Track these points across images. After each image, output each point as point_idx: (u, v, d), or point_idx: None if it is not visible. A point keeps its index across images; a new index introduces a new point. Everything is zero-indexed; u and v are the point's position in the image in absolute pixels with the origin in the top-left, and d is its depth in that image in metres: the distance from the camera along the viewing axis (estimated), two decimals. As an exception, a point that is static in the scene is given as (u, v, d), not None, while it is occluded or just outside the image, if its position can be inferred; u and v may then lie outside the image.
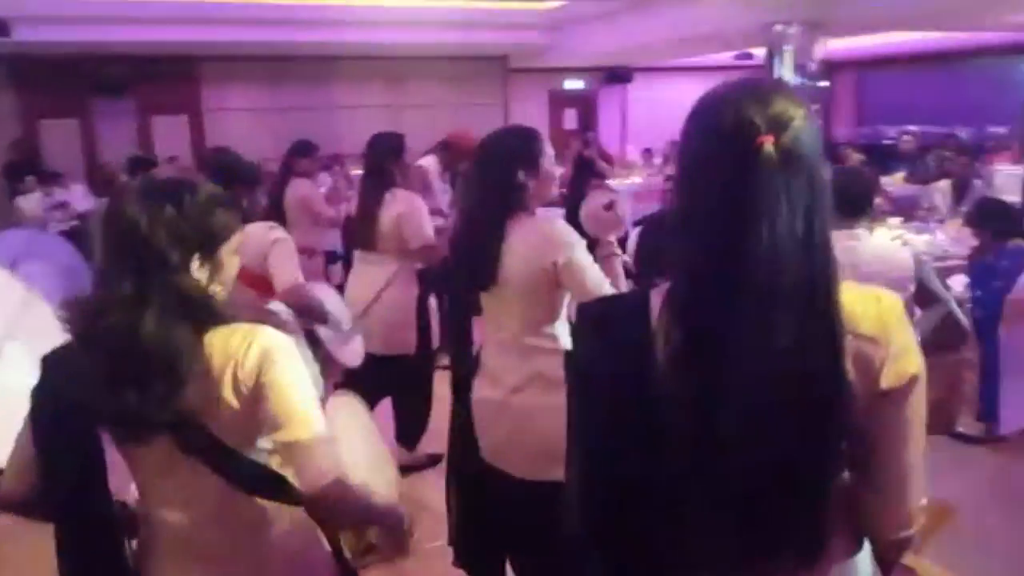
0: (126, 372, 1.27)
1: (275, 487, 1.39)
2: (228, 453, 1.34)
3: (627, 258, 5.45)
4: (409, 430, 3.73)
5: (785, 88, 1.11)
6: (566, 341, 2.23)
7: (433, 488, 3.06)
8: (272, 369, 1.30)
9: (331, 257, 5.32)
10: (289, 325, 3.00)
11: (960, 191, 5.80)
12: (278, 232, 2.86)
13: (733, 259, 1.00)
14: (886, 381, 1.03)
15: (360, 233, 3.58)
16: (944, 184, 6.00)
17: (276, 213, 4.81)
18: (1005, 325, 3.88)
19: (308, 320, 3.11)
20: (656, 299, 1.11)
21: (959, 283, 4.28)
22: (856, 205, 2.65)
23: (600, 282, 2.14)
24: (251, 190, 2.95)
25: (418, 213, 3.48)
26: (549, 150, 2.29)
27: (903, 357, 1.04)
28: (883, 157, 8.76)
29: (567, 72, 15.51)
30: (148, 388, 1.26)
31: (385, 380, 3.59)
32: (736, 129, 1.02)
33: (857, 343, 1.03)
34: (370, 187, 3.59)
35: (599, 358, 1.14)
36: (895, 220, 5.35)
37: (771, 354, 0.98)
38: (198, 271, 1.36)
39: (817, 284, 1.01)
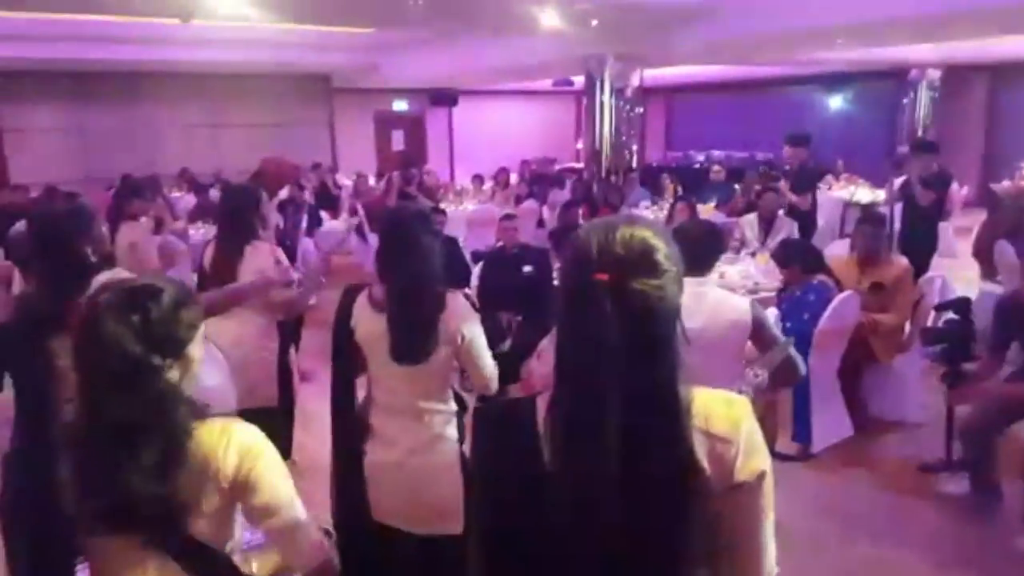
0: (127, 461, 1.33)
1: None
2: (203, 550, 1.40)
3: (470, 292, 5.54)
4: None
5: (644, 223, 1.21)
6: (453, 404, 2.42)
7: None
8: (257, 464, 1.42)
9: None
10: None
11: (767, 225, 6.39)
12: (124, 275, 2.63)
13: (588, 382, 1.12)
14: (739, 476, 1.15)
15: (219, 286, 3.42)
16: (752, 217, 6.57)
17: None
18: (814, 354, 4.33)
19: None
20: (541, 405, 1.22)
21: (771, 314, 4.71)
22: (707, 259, 2.90)
23: (492, 367, 2.42)
24: (91, 235, 2.56)
25: (280, 267, 3.39)
26: None
27: (753, 455, 1.17)
28: (694, 185, 9.45)
29: (393, 93, 15.49)
30: (147, 477, 1.33)
31: None
32: (577, 264, 1.15)
33: (710, 442, 1.15)
34: (227, 239, 3.44)
35: (495, 457, 1.27)
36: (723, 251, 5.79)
37: (633, 459, 1.10)
38: (171, 375, 1.41)
39: (666, 402, 1.13)
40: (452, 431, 2.35)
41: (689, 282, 2.92)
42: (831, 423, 4.50)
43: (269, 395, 3.45)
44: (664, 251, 1.17)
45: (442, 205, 8.47)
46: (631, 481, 1.11)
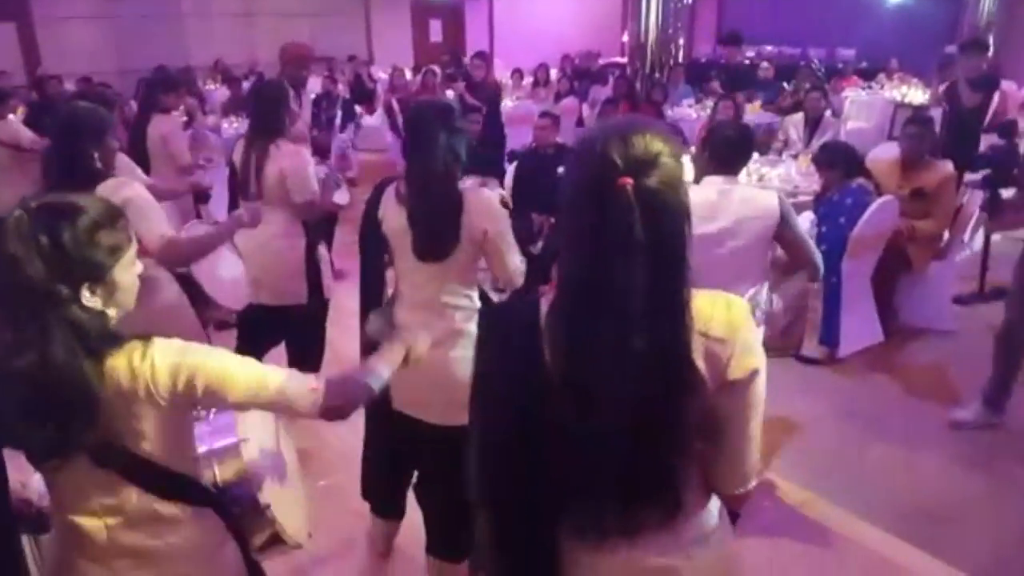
0: (43, 408, 1.29)
1: (189, 491, 1.50)
2: (144, 464, 1.41)
3: (504, 192, 5.55)
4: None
5: (652, 125, 1.22)
6: (477, 300, 2.46)
7: (328, 427, 3.15)
8: (198, 375, 1.39)
9: (198, 196, 5.07)
10: (164, 283, 2.94)
11: (813, 126, 6.21)
12: (126, 191, 2.66)
13: (598, 283, 1.17)
14: (732, 374, 1.22)
15: (244, 184, 3.48)
16: (798, 118, 6.38)
17: (137, 155, 4.54)
18: (847, 259, 4.30)
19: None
20: (545, 306, 1.27)
21: (806, 219, 4.65)
22: (736, 159, 2.90)
23: (518, 263, 2.38)
24: (100, 140, 2.63)
25: (303, 168, 3.43)
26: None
27: (747, 354, 1.23)
28: (742, 82, 9.12)
29: (431, -18, 15.00)
30: (65, 422, 1.29)
31: (277, 329, 3.64)
32: (599, 169, 1.16)
33: (707, 343, 1.21)
34: (255, 138, 3.48)
35: (498, 358, 1.31)
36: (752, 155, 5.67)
37: (631, 358, 1.16)
38: (91, 300, 1.36)
39: (671, 302, 1.18)
40: (473, 327, 2.38)
41: (716, 181, 2.95)
42: (860, 328, 4.50)
43: (297, 292, 3.54)
44: (671, 151, 1.19)
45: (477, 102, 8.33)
46: (631, 381, 1.16)
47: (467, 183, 2.64)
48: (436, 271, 2.35)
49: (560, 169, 5.33)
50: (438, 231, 2.31)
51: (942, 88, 5.93)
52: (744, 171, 5.35)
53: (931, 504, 3.17)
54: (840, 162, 4.50)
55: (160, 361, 1.37)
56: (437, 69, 9.58)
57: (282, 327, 3.66)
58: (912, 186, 4.55)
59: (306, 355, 3.74)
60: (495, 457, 1.31)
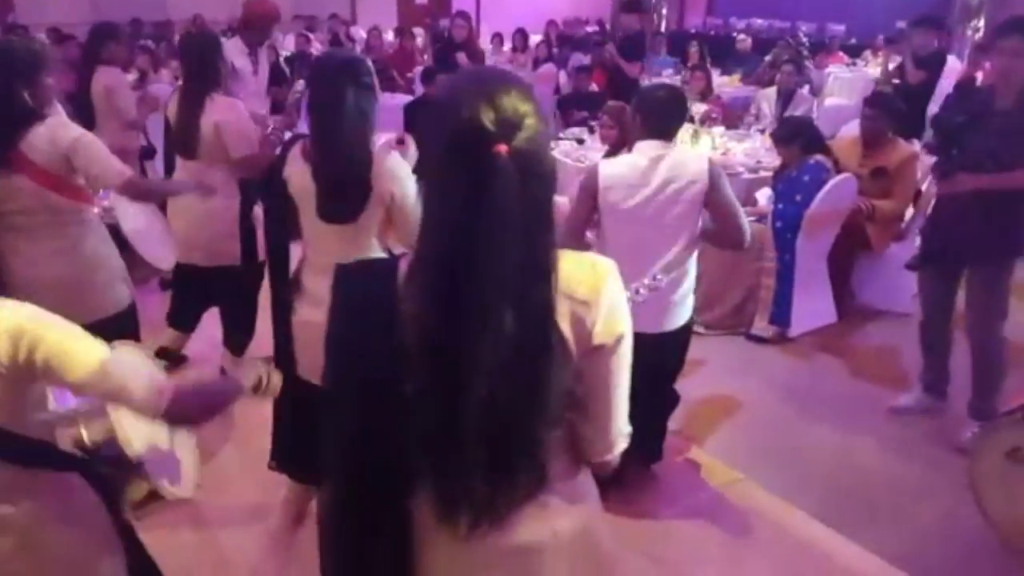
0: None
1: (46, 457, 1.49)
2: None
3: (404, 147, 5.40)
4: (236, 338, 3.71)
5: (514, 82, 1.14)
6: None
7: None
8: (39, 348, 1.35)
9: (145, 152, 4.94)
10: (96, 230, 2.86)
11: (785, 101, 6.08)
12: (73, 131, 2.60)
13: (469, 252, 1.08)
14: (597, 338, 1.18)
15: (179, 140, 3.37)
16: (771, 91, 6.26)
17: (81, 109, 4.40)
18: (802, 237, 4.22)
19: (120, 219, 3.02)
20: (403, 266, 1.20)
21: (764, 195, 4.56)
22: (668, 122, 2.77)
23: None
24: (31, 77, 2.52)
25: (239, 122, 3.31)
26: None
27: (612, 318, 1.18)
28: (723, 54, 8.97)
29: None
30: None
31: (211, 290, 3.57)
32: (470, 136, 1.07)
33: (572, 306, 1.16)
34: (188, 91, 3.36)
35: (351, 321, 1.23)
36: (719, 129, 5.57)
37: (499, 325, 1.09)
38: None
39: (542, 267, 1.12)
40: None
41: (648, 146, 2.83)
42: (814, 308, 4.44)
43: (231, 254, 3.45)
44: (535, 109, 1.13)
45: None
46: (496, 348, 1.09)
47: (380, 142, 2.55)
48: (342, 234, 2.26)
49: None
50: (344, 192, 2.22)
51: (893, 65, 5.84)
52: (710, 143, 5.30)
53: (860, 490, 3.12)
54: (798, 138, 4.40)
55: (2, 325, 1.33)
56: (421, 31, 9.38)
57: (215, 289, 3.58)
58: (873, 165, 4.45)
59: (239, 320, 3.66)
60: (347, 426, 1.23)
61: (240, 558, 2.65)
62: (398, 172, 2.25)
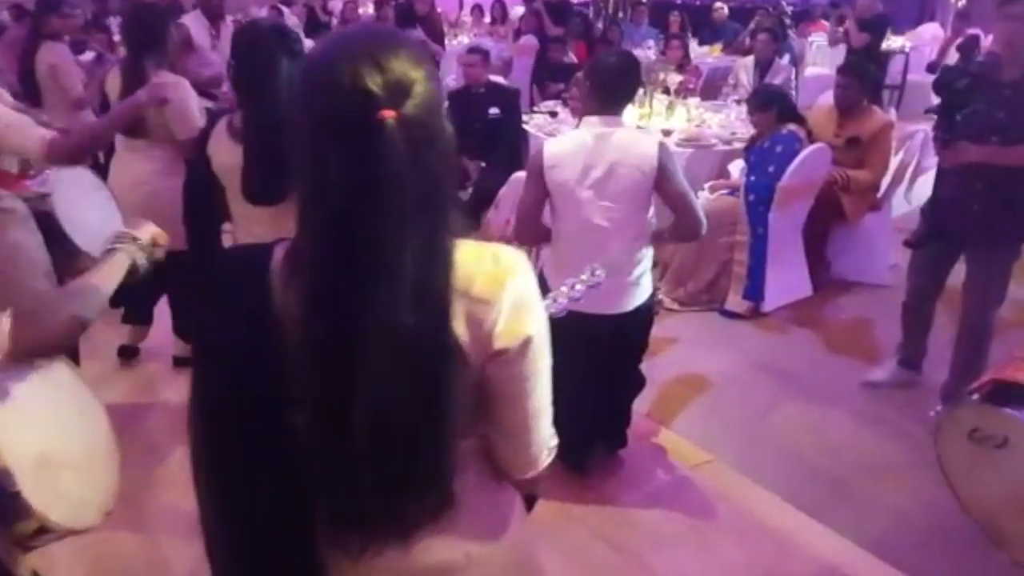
0: None
1: None
2: None
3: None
4: (187, 325, 3.60)
5: (403, 43, 1.00)
6: None
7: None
8: None
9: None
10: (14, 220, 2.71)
11: (763, 70, 5.94)
12: None
13: (352, 235, 0.95)
14: (499, 342, 1.02)
15: None
16: (748, 61, 6.11)
17: (27, 87, 4.23)
18: (775, 209, 4.11)
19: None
20: (279, 254, 1.06)
21: (737, 167, 4.44)
22: (619, 92, 2.62)
23: None
24: None
25: (184, 101, 3.15)
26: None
27: (517, 318, 1.03)
28: (704, 24, 8.80)
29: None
30: None
31: (158, 277, 3.42)
32: (352, 101, 0.94)
33: (469, 304, 1.01)
34: (130, 66, 3.20)
35: (220, 315, 1.09)
36: (694, 100, 5.43)
37: (388, 322, 0.95)
38: None
39: (434, 254, 0.98)
40: None
41: (595, 122, 2.68)
42: (788, 282, 4.34)
43: (178, 237, 3.32)
44: (427, 72, 0.98)
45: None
46: (384, 350, 0.96)
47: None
48: (271, 215, 2.13)
49: (492, 110, 5.16)
50: (270, 171, 2.09)
51: (841, 29, 5.75)
52: (684, 115, 5.17)
53: (832, 469, 3.04)
54: (773, 105, 4.27)
55: None
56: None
57: (164, 275, 3.44)
58: (847, 134, 4.34)
59: (189, 305, 3.54)
60: (220, 437, 1.08)
61: (183, 565, 2.53)
62: None
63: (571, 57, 7.16)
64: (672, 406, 3.46)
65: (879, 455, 3.12)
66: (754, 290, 4.22)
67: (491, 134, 5.05)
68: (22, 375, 1.62)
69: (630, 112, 5.18)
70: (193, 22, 5.31)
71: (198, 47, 4.98)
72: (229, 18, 5.79)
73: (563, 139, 2.70)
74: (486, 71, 5.22)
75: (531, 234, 2.71)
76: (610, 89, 2.58)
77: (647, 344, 2.94)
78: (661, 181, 2.51)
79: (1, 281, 2.60)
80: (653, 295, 2.83)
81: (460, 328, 1.00)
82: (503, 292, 1.02)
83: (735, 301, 4.24)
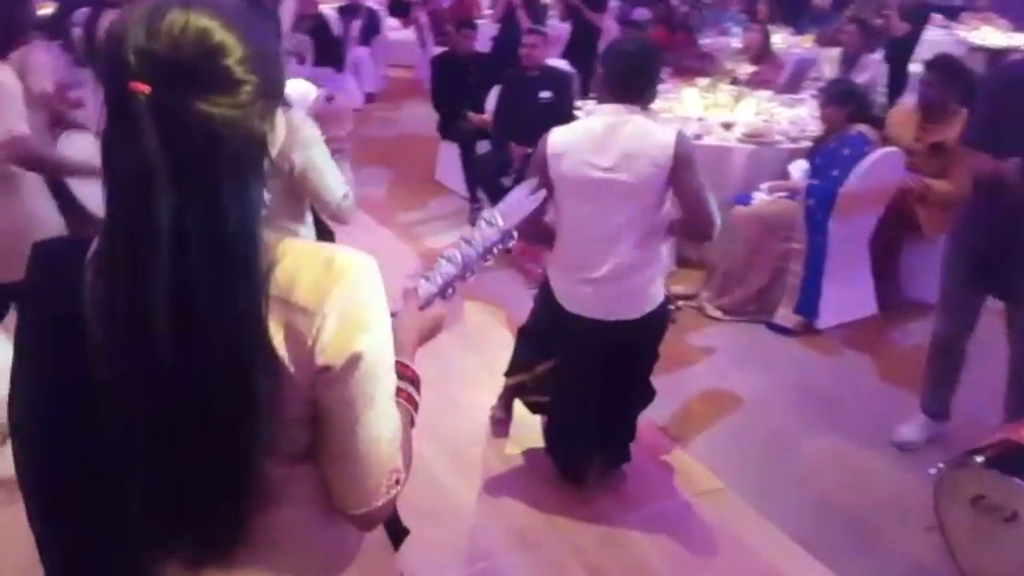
0: None
1: None
2: None
3: (487, 117, 5.11)
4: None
5: (202, 5, 0.84)
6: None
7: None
8: None
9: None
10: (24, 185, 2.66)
11: (848, 63, 5.47)
12: None
13: (123, 224, 0.85)
14: (322, 358, 0.89)
15: None
16: (835, 53, 5.64)
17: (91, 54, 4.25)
18: (836, 218, 3.74)
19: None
20: (96, 243, 0.95)
21: (799, 168, 4.07)
22: (634, 81, 2.38)
23: (336, 187, 2.08)
24: None
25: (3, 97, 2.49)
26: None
27: (342, 333, 0.89)
28: (797, 11, 8.25)
29: None
30: None
31: None
32: (111, 69, 0.82)
33: (289, 314, 0.89)
34: None
35: (34, 306, 1.04)
36: (766, 93, 5.03)
37: (186, 331, 0.84)
38: None
39: (225, 266, 0.85)
40: None
41: (608, 110, 2.45)
42: (848, 298, 3.96)
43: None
44: (240, 52, 0.84)
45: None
46: (184, 361, 0.85)
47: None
48: None
49: (544, 94, 4.93)
50: None
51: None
52: (752, 108, 4.80)
53: (856, 512, 2.72)
54: (848, 102, 3.88)
55: None
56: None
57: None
58: (930, 139, 3.90)
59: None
60: (31, 434, 1.02)
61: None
62: (294, 136, 1.98)
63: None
64: (692, 423, 3.19)
65: (911, 502, 2.75)
66: (807, 304, 3.86)
67: (542, 118, 4.81)
68: None
69: (694, 101, 4.87)
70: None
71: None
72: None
73: (571, 127, 2.48)
74: (545, 53, 4.99)
75: (531, 233, 2.50)
76: (623, 76, 2.36)
77: (657, 356, 2.69)
78: (676, 174, 2.28)
79: (18, 250, 2.55)
80: (666, 303, 2.58)
81: (278, 339, 0.88)
82: (327, 301, 0.89)
83: (785, 314, 3.89)
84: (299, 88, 2.60)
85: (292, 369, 0.89)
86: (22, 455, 1.02)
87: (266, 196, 0.91)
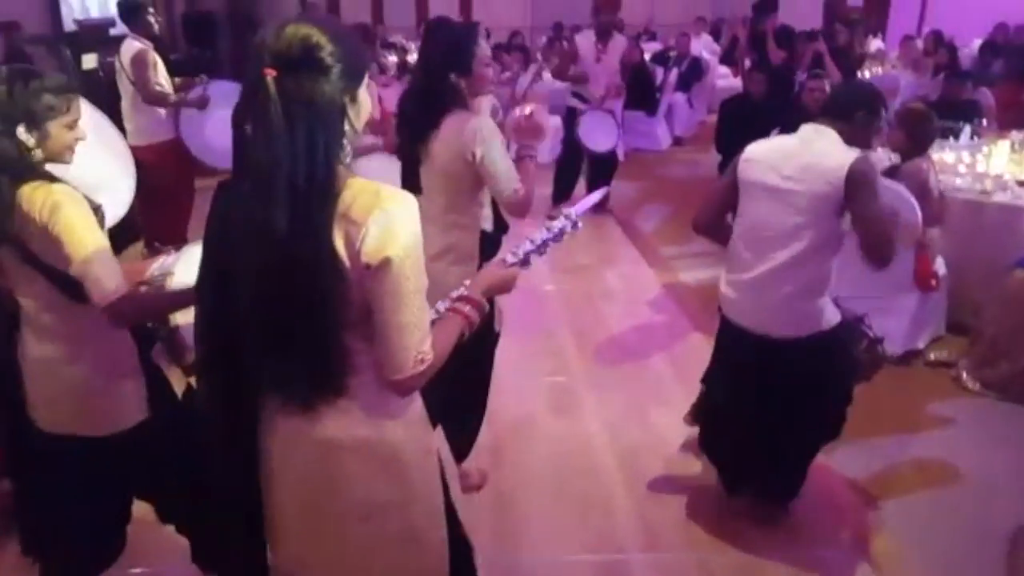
0: None
1: (79, 291, 1.79)
2: (41, 264, 1.76)
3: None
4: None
5: (309, 21, 1.30)
6: (485, 223, 2.65)
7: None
8: (59, 219, 1.68)
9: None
10: None
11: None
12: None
13: (246, 160, 1.29)
14: (364, 258, 1.26)
15: None
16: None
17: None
18: None
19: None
20: None
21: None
22: (846, 107, 2.43)
23: (509, 178, 2.38)
24: None
25: None
26: (483, 50, 2.48)
27: (379, 240, 1.25)
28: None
29: None
30: None
31: None
32: (253, 62, 1.26)
33: (346, 225, 1.26)
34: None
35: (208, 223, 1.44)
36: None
37: (268, 238, 1.25)
38: (23, 135, 1.75)
39: (313, 188, 1.25)
40: (472, 247, 2.56)
41: (809, 128, 2.49)
42: None
43: None
44: (329, 48, 1.27)
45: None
46: (264, 255, 1.27)
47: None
48: (439, 184, 2.48)
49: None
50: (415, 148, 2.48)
51: None
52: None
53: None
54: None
55: (46, 198, 1.69)
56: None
57: None
58: None
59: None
60: (204, 305, 1.45)
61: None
62: (481, 134, 2.39)
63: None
64: (893, 486, 2.89)
65: None
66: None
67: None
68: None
69: (1002, 155, 4.34)
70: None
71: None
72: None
73: (771, 139, 2.60)
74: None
75: (707, 226, 2.66)
76: (841, 100, 2.48)
77: (842, 389, 2.55)
78: (849, 196, 2.27)
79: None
80: (840, 339, 2.45)
81: (339, 243, 1.27)
82: (370, 217, 1.26)
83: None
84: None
85: (348, 263, 1.27)
86: (201, 321, 1.44)
87: (346, 145, 1.31)
